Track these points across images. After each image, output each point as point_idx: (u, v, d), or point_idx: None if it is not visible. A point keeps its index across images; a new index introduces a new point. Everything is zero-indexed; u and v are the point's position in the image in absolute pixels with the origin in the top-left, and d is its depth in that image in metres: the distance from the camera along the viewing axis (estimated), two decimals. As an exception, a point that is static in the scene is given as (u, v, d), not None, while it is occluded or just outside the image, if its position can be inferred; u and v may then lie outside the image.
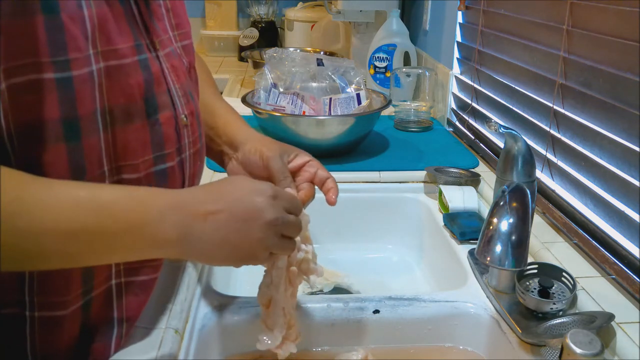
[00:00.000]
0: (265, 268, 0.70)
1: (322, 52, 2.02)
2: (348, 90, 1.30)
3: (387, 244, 1.19)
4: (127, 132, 0.59)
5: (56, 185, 0.52)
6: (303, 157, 0.79)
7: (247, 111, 1.28)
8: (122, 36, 0.59)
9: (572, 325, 0.70)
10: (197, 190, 0.61)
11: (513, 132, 0.79)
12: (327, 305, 0.82)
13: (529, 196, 0.73)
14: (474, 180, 1.12)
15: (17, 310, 0.57)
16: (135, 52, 0.60)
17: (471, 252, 0.93)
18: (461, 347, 0.83)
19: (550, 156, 1.02)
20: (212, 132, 0.83)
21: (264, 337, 0.70)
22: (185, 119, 0.68)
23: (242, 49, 2.45)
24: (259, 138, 0.81)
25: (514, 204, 0.72)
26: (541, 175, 1.05)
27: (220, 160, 0.84)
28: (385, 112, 1.40)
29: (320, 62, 1.36)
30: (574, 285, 0.76)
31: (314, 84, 1.33)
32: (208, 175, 1.14)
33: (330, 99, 1.27)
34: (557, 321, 0.72)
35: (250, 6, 2.55)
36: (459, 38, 1.50)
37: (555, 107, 1.00)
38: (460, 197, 1.05)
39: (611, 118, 0.85)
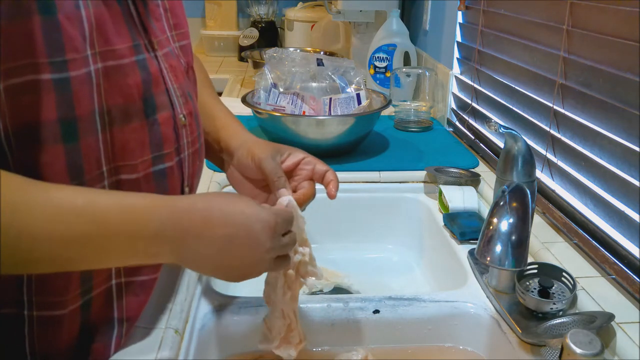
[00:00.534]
0: None
1: (322, 52, 2.02)
2: (348, 90, 1.30)
3: (387, 244, 1.19)
4: (126, 133, 0.59)
5: (53, 191, 0.51)
6: (297, 155, 0.78)
7: (247, 111, 1.28)
8: (120, 36, 0.58)
9: (572, 325, 0.70)
10: (196, 204, 0.58)
11: (513, 132, 0.79)
12: (327, 305, 0.82)
13: (529, 196, 0.73)
14: (474, 180, 1.12)
15: (15, 310, 0.57)
16: (134, 52, 0.60)
17: (471, 252, 0.93)
18: (461, 347, 0.83)
19: (550, 156, 1.02)
20: (210, 137, 0.82)
21: (262, 337, 0.70)
22: (183, 119, 0.67)
23: (242, 49, 2.45)
24: (252, 141, 0.80)
25: (514, 204, 0.71)
26: (541, 175, 1.05)
27: (221, 166, 0.84)
28: (385, 112, 1.40)
29: (320, 62, 1.37)
30: (574, 285, 0.76)
31: (314, 84, 1.34)
32: (208, 175, 1.14)
33: (330, 99, 1.27)
34: (557, 321, 0.72)
35: (250, 6, 2.54)
36: (459, 38, 1.50)
37: (555, 107, 1.00)
38: (460, 197, 1.05)
39: (611, 118, 0.85)
